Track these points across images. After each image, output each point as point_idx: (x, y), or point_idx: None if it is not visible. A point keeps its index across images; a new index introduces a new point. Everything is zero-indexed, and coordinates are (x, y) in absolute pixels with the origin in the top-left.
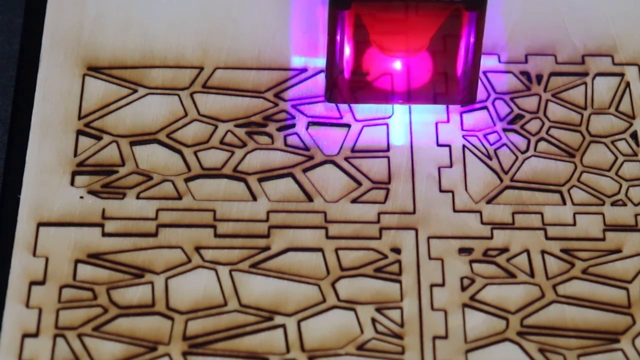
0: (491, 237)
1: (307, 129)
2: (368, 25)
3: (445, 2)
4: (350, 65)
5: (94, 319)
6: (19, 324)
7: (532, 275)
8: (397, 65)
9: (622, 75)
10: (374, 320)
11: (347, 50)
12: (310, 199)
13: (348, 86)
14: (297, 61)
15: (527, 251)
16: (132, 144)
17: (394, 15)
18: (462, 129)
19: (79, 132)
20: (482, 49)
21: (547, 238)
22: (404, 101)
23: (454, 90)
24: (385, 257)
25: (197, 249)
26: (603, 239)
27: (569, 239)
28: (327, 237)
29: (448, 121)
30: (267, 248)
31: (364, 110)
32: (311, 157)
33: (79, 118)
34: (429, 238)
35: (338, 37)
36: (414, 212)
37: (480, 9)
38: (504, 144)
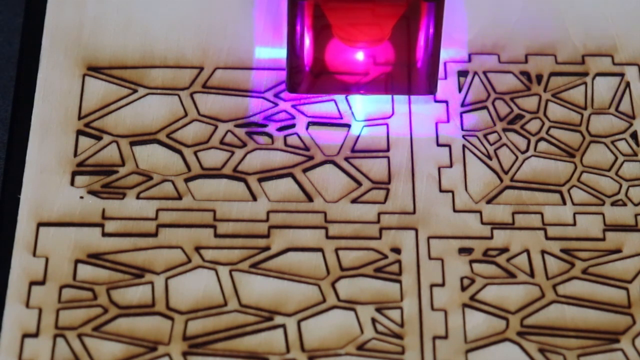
0: (491, 237)
1: (307, 129)
2: (329, 16)
3: None
4: (311, 55)
5: (94, 319)
6: (19, 324)
7: (532, 275)
8: (359, 56)
9: (622, 75)
10: (374, 320)
11: (308, 41)
12: (310, 199)
13: (309, 77)
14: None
15: (527, 251)
16: (132, 144)
17: (354, 6)
18: (462, 129)
19: (79, 132)
20: (441, 40)
21: (547, 238)
22: (365, 92)
23: (415, 81)
24: (385, 257)
25: (197, 249)
26: (603, 239)
27: (569, 239)
28: (327, 237)
29: (448, 121)
30: (267, 248)
31: (364, 110)
32: (311, 157)
33: (79, 118)
34: (429, 238)
35: (298, 28)
36: (414, 212)
37: None
38: (504, 144)
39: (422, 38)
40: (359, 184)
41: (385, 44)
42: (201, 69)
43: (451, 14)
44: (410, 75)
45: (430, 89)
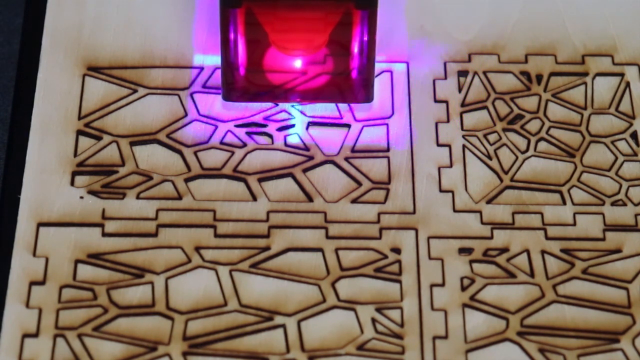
0: (491, 237)
1: (307, 129)
2: (264, 24)
3: (336, 1)
4: (245, 63)
5: (94, 319)
6: (19, 324)
7: (532, 275)
8: (297, 63)
9: (622, 75)
10: (374, 320)
11: (242, 49)
12: (310, 199)
13: (245, 85)
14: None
15: (527, 251)
16: (132, 144)
17: (288, 14)
18: (462, 129)
19: (79, 132)
20: (375, 47)
21: (547, 238)
22: (302, 100)
23: (351, 89)
24: (385, 257)
25: (197, 249)
26: (603, 239)
27: (569, 239)
28: (327, 237)
29: (448, 121)
30: (267, 248)
31: (364, 110)
32: (311, 157)
33: (79, 118)
34: (429, 238)
35: (231, 35)
36: (414, 212)
37: (371, 7)
38: (504, 144)
39: (356, 46)
40: (359, 184)
41: (322, 51)
42: (201, 69)
43: (450, 11)
44: (347, 83)
45: (367, 96)
